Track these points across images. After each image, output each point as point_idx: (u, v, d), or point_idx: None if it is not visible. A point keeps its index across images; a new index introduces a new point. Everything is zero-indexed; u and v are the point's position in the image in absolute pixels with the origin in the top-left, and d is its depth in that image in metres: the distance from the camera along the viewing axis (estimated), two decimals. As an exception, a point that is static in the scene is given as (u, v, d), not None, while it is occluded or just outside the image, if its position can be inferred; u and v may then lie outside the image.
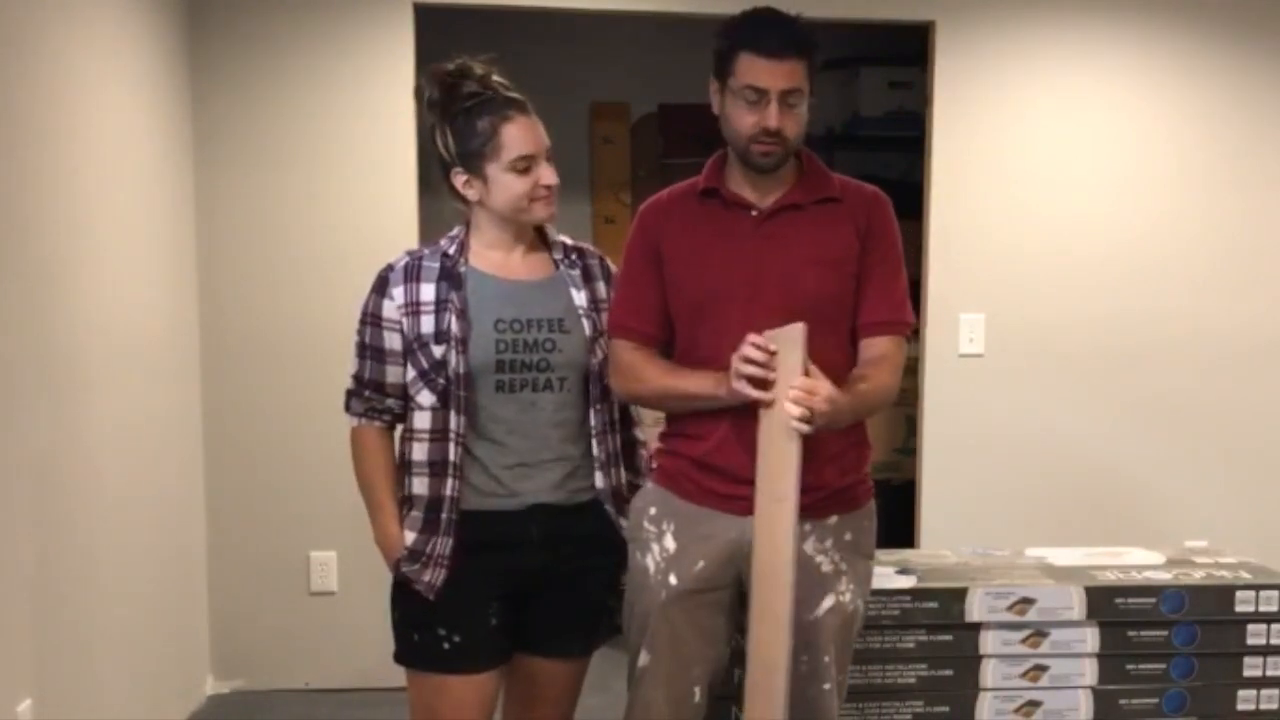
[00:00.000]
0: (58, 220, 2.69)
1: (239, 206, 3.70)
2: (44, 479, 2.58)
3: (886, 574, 2.67)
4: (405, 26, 3.67)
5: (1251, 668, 2.70)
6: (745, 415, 2.10)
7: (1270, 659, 2.70)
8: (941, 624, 2.63)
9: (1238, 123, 3.99)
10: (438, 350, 2.18)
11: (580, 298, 2.27)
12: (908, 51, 4.25)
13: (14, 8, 2.50)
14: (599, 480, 2.28)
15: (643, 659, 2.26)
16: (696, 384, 2.16)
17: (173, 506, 3.49)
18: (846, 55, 4.77)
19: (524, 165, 2.18)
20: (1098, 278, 3.98)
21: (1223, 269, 4.03)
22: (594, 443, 2.27)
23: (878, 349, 2.22)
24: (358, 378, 2.26)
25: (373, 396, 2.25)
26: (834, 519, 2.22)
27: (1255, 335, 4.06)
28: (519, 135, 2.17)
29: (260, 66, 3.67)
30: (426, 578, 2.20)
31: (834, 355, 2.12)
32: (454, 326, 2.17)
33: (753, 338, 2.04)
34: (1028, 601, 2.64)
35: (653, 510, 2.28)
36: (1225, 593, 2.69)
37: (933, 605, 2.63)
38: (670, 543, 2.24)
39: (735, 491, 2.16)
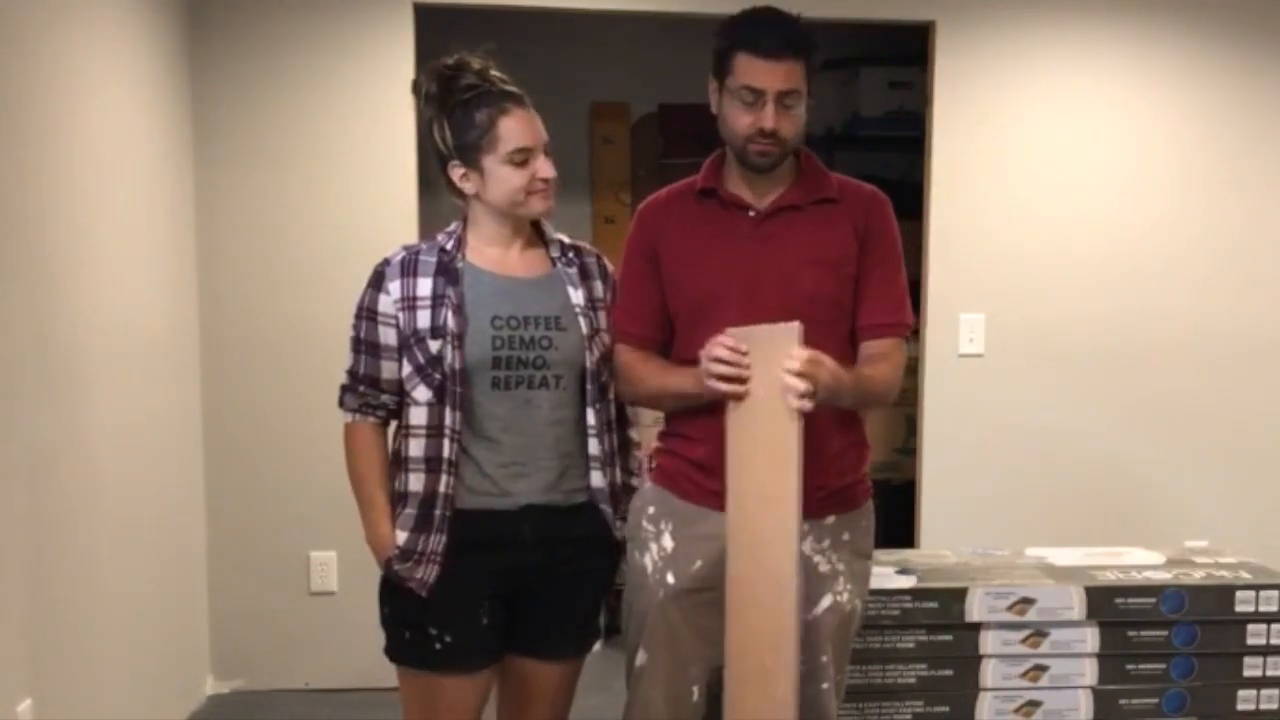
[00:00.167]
0: (58, 220, 2.69)
1: (239, 206, 3.70)
2: (44, 479, 2.58)
3: (886, 574, 2.67)
4: (405, 26, 3.67)
5: (1251, 668, 2.70)
6: None
7: (1270, 659, 2.70)
8: (941, 624, 2.63)
9: (1238, 123, 3.99)
10: (434, 345, 2.16)
11: (577, 296, 2.26)
12: (908, 51, 4.25)
13: (14, 8, 2.50)
14: (595, 480, 2.27)
15: (640, 658, 2.26)
16: (681, 381, 2.17)
17: (173, 506, 3.49)
18: (846, 55, 4.77)
19: (521, 158, 2.17)
20: (1098, 278, 3.98)
21: (1223, 269, 4.03)
22: (591, 442, 2.25)
23: (878, 349, 2.22)
24: (352, 373, 2.24)
25: (367, 392, 2.23)
26: (832, 519, 2.22)
27: (1255, 335, 4.06)
28: (516, 128, 2.17)
29: (260, 66, 3.67)
30: (419, 574, 2.18)
31: (832, 355, 2.11)
32: (450, 322, 2.16)
33: (723, 339, 2.05)
34: (1028, 601, 2.64)
35: (651, 510, 2.28)
36: (1225, 593, 2.69)
37: (933, 605, 2.63)
38: (668, 542, 2.24)
39: None
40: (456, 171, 2.21)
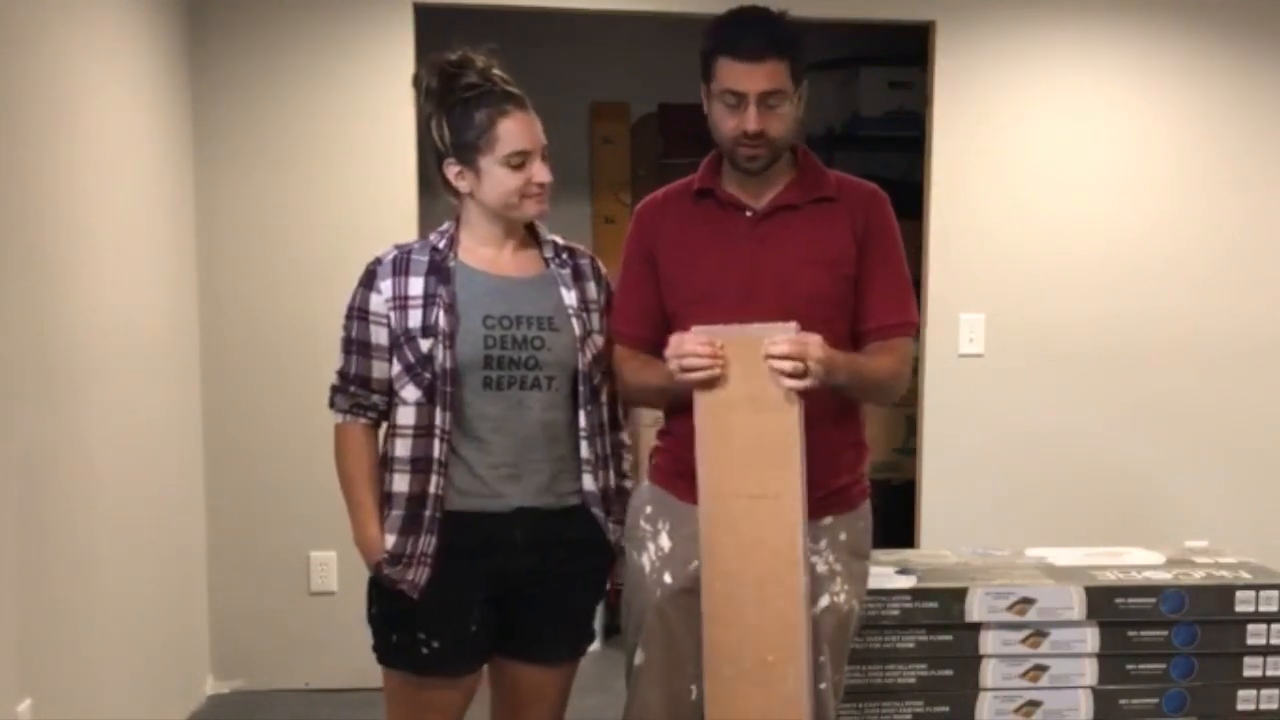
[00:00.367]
0: (58, 220, 2.69)
1: (239, 206, 3.70)
2: (43, 479, 2.58)
3: (886, 574, 2.67)
4: (405, 26, 3.67)
5: (1251, 668, 2.70)
6: None
7: (1270, 659, 2.70)
8: (941, 624, 2.63)
9: (1238, 123, 3.99)
10: (424, 344, 2.14)
11: (570, 297, 2.24)
12: (908, 51, 4.24)
13: (14, 8, 2.50)
14: (587, 483, 2.25)
15: (639, 658, 2.27)
16: (659, 376, 2.18)
17: (173, 506, 3.49)
18: (846, 55, 4.77)
19: (518, 160, 2.15)
20: (1098, 278, 3.98)
21: (1223, 269, 4.03)
22: (583, 444, 2.24)
23: (884, 347, 2.23)
24: (343, 373, 2.22)
25: (358, 392, 2.21)
26: (829, 519, 2.22)
27: (1255, 335, 4.06)
28: (515, 130, 2.15)
29: (260, 66, 3.67)
30: (410, 576, 2.16)
31: None
32: (442, 321, 2.14)
33: (690, 337, 2.06)
34: (1028, 601, 2.64)
35: (648, 509, 2.29)
36: (1225, 593, 2.69)
37: (933, 605, 2.63)
38: (665, 542, 2.24)
39: None
40: (452, 169, 2.20)
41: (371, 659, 2.27)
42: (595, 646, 2.45)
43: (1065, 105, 3.93)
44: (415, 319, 2.16)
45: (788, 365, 1.99)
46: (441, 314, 2.15)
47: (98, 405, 2.87)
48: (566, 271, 2.27)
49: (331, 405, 2.24)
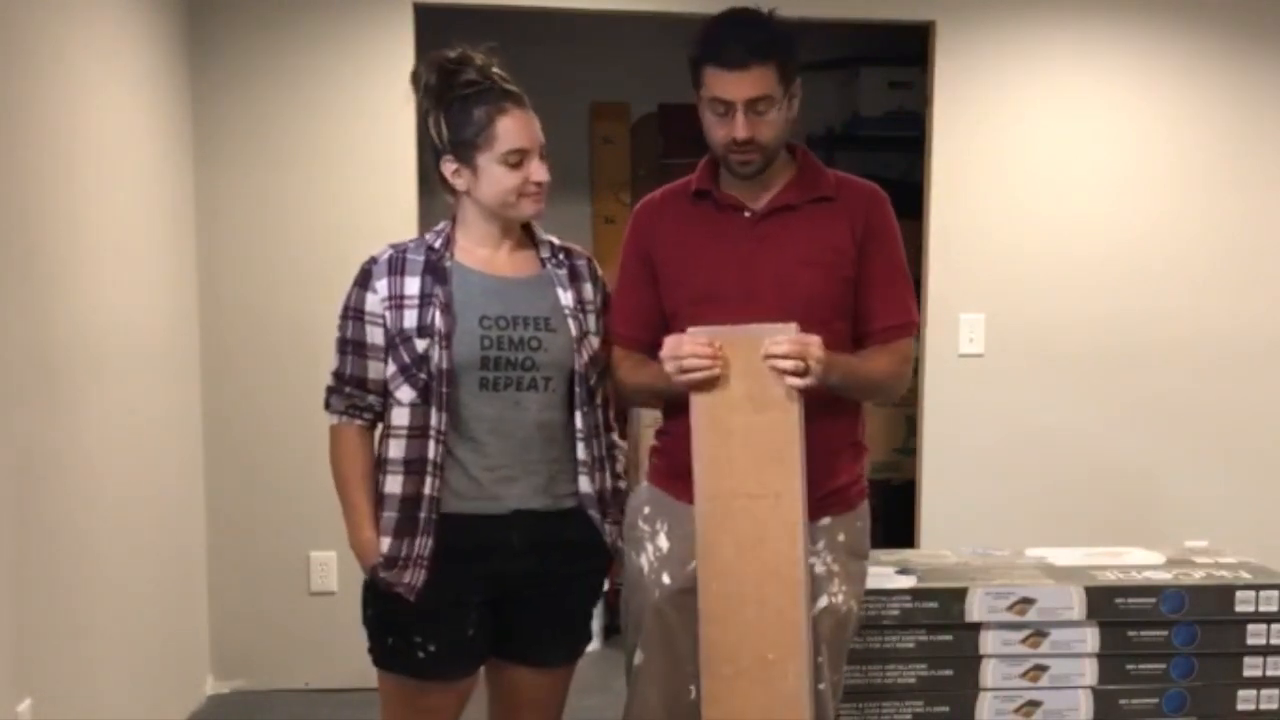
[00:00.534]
0: (58, 220, 2.69)
1: (239, 206, 3.70)
2: (44, 479, 2.58)
3: (886, 574, 2.67)
4: (405, 26, 3.67)
5: (1251, 668, 2.70)
6: None
7: (1270, 659, 2.70)
8: (941, 624, 2.63)
9: (1238, 123, 3.99)
10: (420, 345, 2.13)
11: (567, 297, 2.23)
12: (908, 51, 4.24)
13: (14, 8, 2.50)
14: (584, 484, 2.24)
15: (638, 658, 2.27)
16: (656, 376, 2.17)
17: (173, 506, 3.49)
18: (846, 55, 4.77)
19: (516, 159, 2.14)
20: (1098, 278, 3.98)
21: (1223, 269, 4.03)
22: (580, 446, 2.22)
23: (884, 348, 2.24)
24: (338, 374, 2.20)
25: (354, 393, 2.19)
26: (827, 520, 2.22)
27: (1255, 335, 4.06)
28: (514, 128, 2.14)
29: (260, 66, 3.67)
30: (407, 579, 2.14)
31: None
32: (438, 321, 2.13)
33: (687, 338, 2.06)
34: (1028, 601, 2.64)
35: (646, 509, 2.29)
36: (1225, 593, 2.69)
37: (933, 605, 2.63)
38: (663, 542, 2.24)
39: None
40: (449, 166, 2.18)
41: (371, 659, 2.27)
42: (595, 646, 2.45)
43: (1065, 105, 3.93)
44: (411, 319, 2.14)
45: (789, 364, 2.00)
46: (438, 314, 2.13)
47: (98, 405, 2.87)
48: (563, 272, 2.26)
49: (327, 406, 2.23)
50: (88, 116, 2.89)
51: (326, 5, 3.67)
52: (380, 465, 2.19)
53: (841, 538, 2.24)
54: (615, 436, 2.36)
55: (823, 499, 2.18)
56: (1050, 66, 3.93)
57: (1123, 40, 3.94)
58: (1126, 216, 3.98)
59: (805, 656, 2.10)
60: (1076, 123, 3.94)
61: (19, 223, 2.50)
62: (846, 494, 2.27)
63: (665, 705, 2.24)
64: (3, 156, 2.43)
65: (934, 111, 3.89)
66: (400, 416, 2.15)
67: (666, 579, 2.23)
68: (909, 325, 2.27)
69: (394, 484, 2.15)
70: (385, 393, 2.18)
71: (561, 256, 2.29)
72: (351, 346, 2.19)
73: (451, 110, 2.15)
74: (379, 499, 2.18)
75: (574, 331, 2.21)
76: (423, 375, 2.13)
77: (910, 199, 3.77)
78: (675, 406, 2.24)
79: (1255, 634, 2.69)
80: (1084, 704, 2.67)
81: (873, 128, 4.82)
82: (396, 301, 2.16)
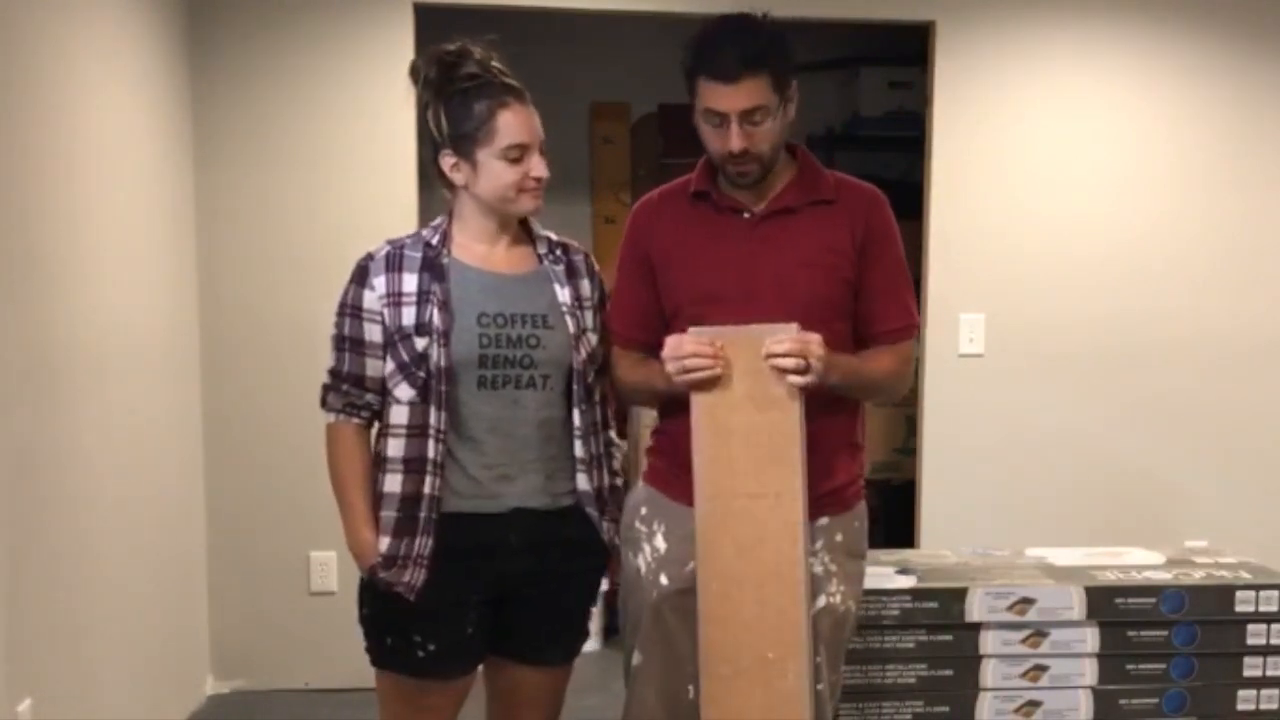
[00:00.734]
0: (58, 220, 2.69)
1: (239, 206, 3.70)
2: (43, 479, 2.58)
3: (886, 574, 2.67)
4: (405, 26, 3.67)
5: (1251, 668, 2.70)
6: None
7: (1270, 659, 2.70)
8: (941, 624, 2.63)
9: (1238, 123, 3.99)
10: (419, 343, 2.11)
11: (564, 294, 2.21)
12: (908, 51, 4.24)
13: (14, 8, 2.50)
14: (582, 482, 2.23)
15: (636, 659, 2.27)
16: (655, 377, 2.18)
17: (173, 506, 3.49)
18: (846, 55, 4.77)
19: (516, 154, 2.12)
20: (1098, 278, 3.98)
21: (1223, 269, 4.03)
22: (578, 444, 2.21)
23: (886, 349, 2.25)
24: (335, 371, 2.18)
25: (351, 391, 2.17)
26: (825, 520, 2.22)
27: (1255, 335, 4.06)
28: (514, 123, 2.12)
29: (260, 66, 3.67)
30: (406, 578, 2.13)
31: None
32: (436, 319, 2.11)
33: (688, 338, 2.06)
34: (1028, 601, 2.64)
35: (643, 510, 2.28)
36: (1225, 593, 2.69)
37: (933, 605, 2.62)
38: (661, 543, 2.24)
39: None
40: (448, 161, 2.16)
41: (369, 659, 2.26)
42: (595, 646, 2.45)
43: (1065, 105, 3.93)
44: (409, 316, 2.13)
45: (790, 363, 2.00)
46: (436, 312, 2.12)
47: (98, 405, 2.87)
48: (560, 268, 2.25)
49: (323, 404, 2.21)
50: (88, 116, 2.89)
51: (326, 5, 3.67)
52: (379, 464, 2.17)
53: (839, 538, 2.24)
54: (612, 433, 2.35)
55: (821, 499, 2.18)
56: (1050, 66, 3.92)
57: (1123, 40, 3.94)
58: (1126, 216, 3.98)
59: (805, 656, 2.10)
60: (1076, 123, 3.94)
61: (19, 223, 2.50)
62: (844, 494, 2.27)
63: (664, 706, 2.24)
64: (2, 156, 2.43)
65: (934, 111, 3.89)
66: (399, 415, 2.14)
67: (664, 580, 2.23)
68: (910, 327, 2.28)
69: (393, 483, 2.14)
70: (383, 391, 2.17)
71: (559, 252, 2.27)
72: (349, 344, 2.17)
73: (451, 104, 2.13)
74: (377, 498, 2.16)
75: (572, 328, 2.20)
76: (421, 373, 2.11)
77: (910, 199, 3.77)
78: (672, 406, 2.23)
79: (1255, 634, 2.69)
80: (1084, 704, 2.67)
81: (873, 128, 4.82)
82: (394, 299, 2.14)
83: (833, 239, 2.20)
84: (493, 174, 2.14)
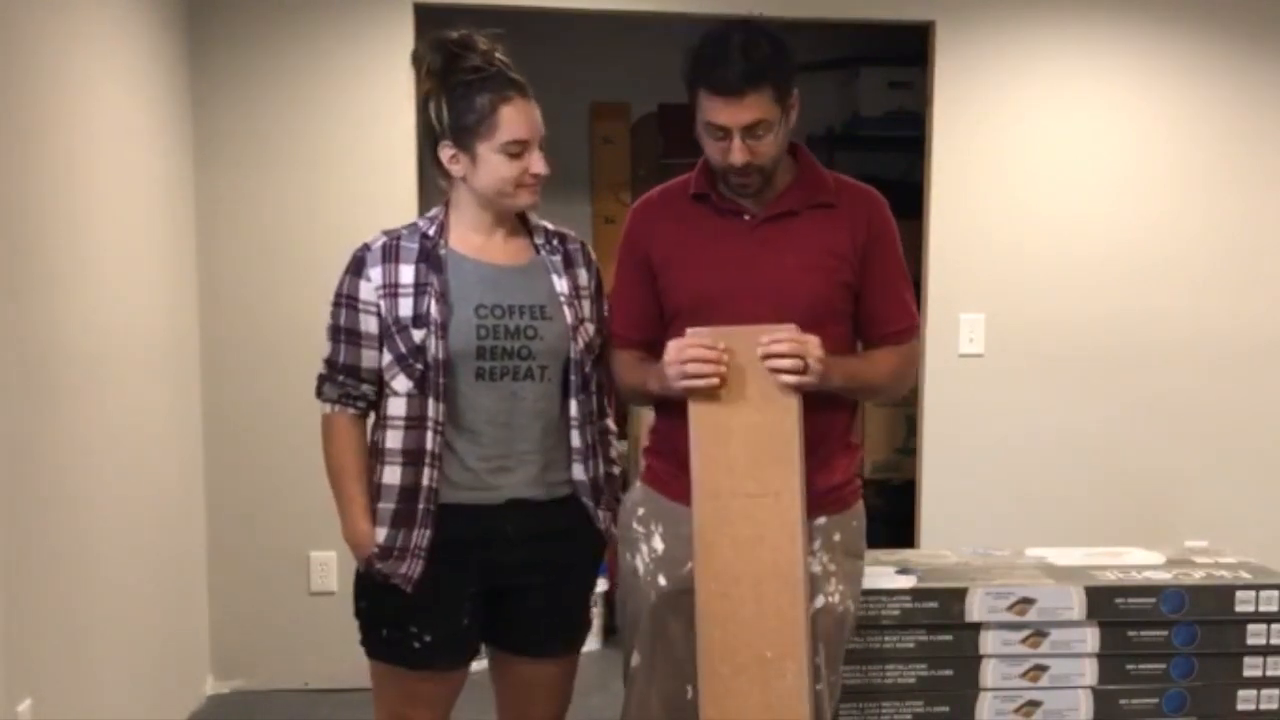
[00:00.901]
0: (57, 220, 2.69)
1: (239, 206, 3.70)
2: (43, 478, 2.58)
3: (886, 574, 2.67)
4: (405, 26, 3.67)
5: (1251, 668, 2.70)
6: None
7: (1270, 659, 2.70)
8: (941, 624, 2.63)
9: (1238, 122, 3.99)
10: (417, 335, 2.10)
11: (562, 284, 2.21)
12: (908, 51, 4.24)
13: (14, 8, 2.50)
14: (577, 472, 2.23)
15: (635, 659, 2.27)
16: (647, 379, 2.18)
17: (173, 506, 3.49)
18: (846, 55, 4.77)
19: (516, 149, 2.12)
20: (1098, 278, 3.98)
21: (1223, 269, 4.03)
22: (573, 434, 2.21)
23: (890, 350, 2.26)
24: (331, 362, 2.17)
25: (347, 381, 2.16)
26: (823, 519, 2.22)
27: (1255, 335, 4.06)
28: (516, 118, 2.11)
29: (260, 66, 3.67)
30: (403, 569, 2.13)
31: None
32: (433, 310, 2.10)
33: (691, 341, 2.06)
34: (1028, 601, 2.64)
35: (641, 510, 2.28)
36: (1225, 593, 2.69)
37: (933, 605, 2.62)
38: (659, 543, 2.24)
39: None
40: (446, 152, 2.15)
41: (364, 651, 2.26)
42: (595, 646, 2.45)
43: (1065, 105, 3.93)
44: (406, 308, 2.12)
45: (787, 363, 2.01)
46: (433, 303, 2.11)
47: (98, 405, 2.87)
48: (557, 258, 2.24)
49: (319, 394, 2.20)
50: (88, 117, 2.89)
51: (326, 5, 3.67)
52: (377, 455, 2.17)
53: (838, 537, 2.24)
54: (609, 422, 2.36)
55: (819, 498, 2.18)
56: (1050, 66, 3.93)
57: (1123, 40, 3.94)
58: (1126, 216, 3.99)
59: (804, 654, 2.10)
60: (1076, 123, 3.94)
61: (19, 223, 2.49)
62: (842, 493, 2.27)
63: (663, 706, 2.24)
64: (2, 156, 2.43)
65: (934, 111, 3.89)
66: (397, 407, 2.13)
67: (663, 580, 2.23)
68: (913, 328, 2.29)
69: (392, 475, 2.14)
70: (378, 381, 2.17)
71: (555, 242, 2.27)
72: (344, 334, 2.16)
73: (454, 95, 2.12)
74: (375, 489, 2.16)
75: (569, 319, 2.20)
76: (419, 365, 2.11)
77: (910, 199, 3.77)
78: (669, 406, 2.23)
79: (1255, 634, 2.69)
80: (1084, 704, 2.67)
81: (873, 128, 4.82)
82: (391, 290, 2.13)
83: (833, 242, 2.19)
84: (491, 168, 2.13)
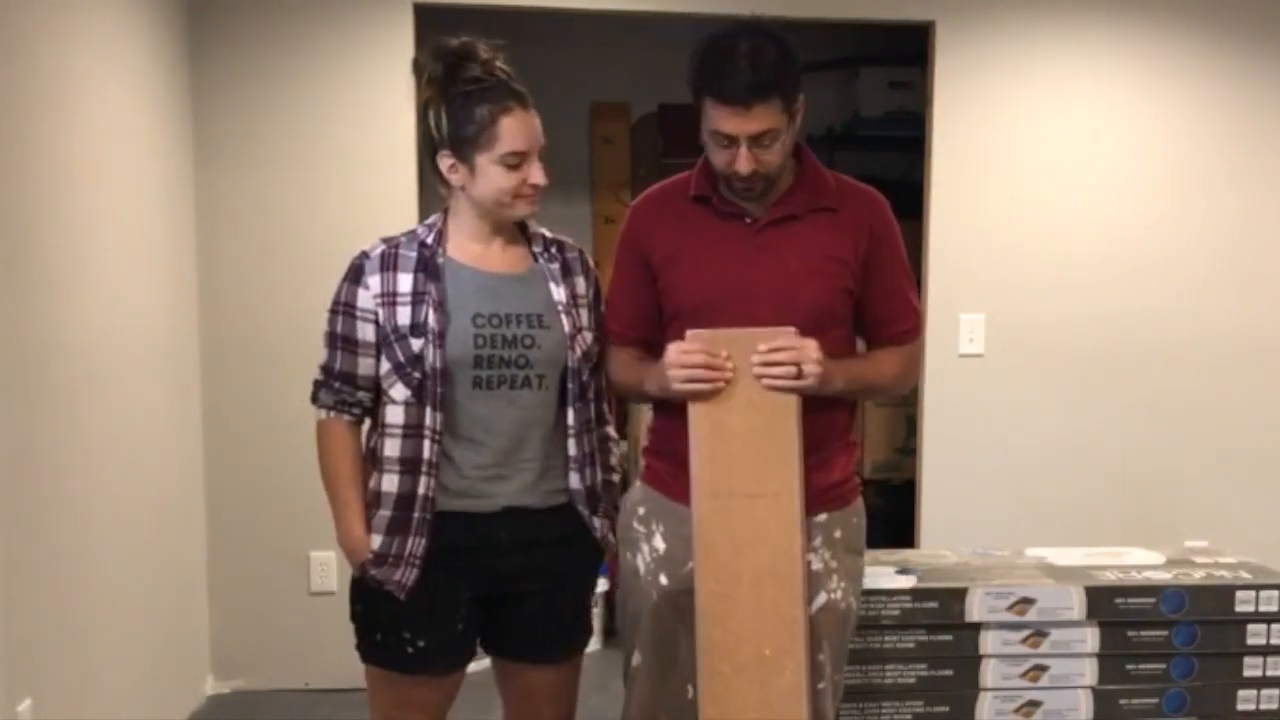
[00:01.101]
0: (58, 220, 2.69)
1: (239, 206, 3.70)
2: (43, 479, 2.58)
3: (886, 574, 2.67)
4: (405, 26, 3.67)
5: (1251, 668, 2.70)
6: None
7: (1270, 659, 2.70)
8: (941, 624, 2.63)
9: (1238, 123, 3.99)
10: (415, 344, 2.10)
11: (559, 293, 2.20)
12: (908, 51, 4.24)
13: (14, 7, 2.50)
14: (574, 480, 2.22)
15: (636, 659, 2.27)
16: (652, 380, 2.18)
17: (173, 506, 3.49)
18: (846, 55, 4.77)
19: (515, 161, 2.11)
20: (1098, 278, 3.98)
21: (1223, 269, 4.03)
22: (570, 443, 2.21)
23: (893, 350, 2.26)
24: (327, 368, 2.17)
25: (343, 388, 2.16)
26: (823, 516, 2.22)
27: (1256, 335, 4.06)
28: (516, 129, 2.11)
29: (260, 66, 3.67)
30: (397, 577, 2.13)
31: None
32: (431, 319, 2.10)
33: (691, 345, 2.06)
34: (1028, 601, 2.64)
35: (641, 510, 2.28)
36: (1225, 593, 2.69)
37: (933, 605, 2.62)
38: (659, 543, 2.24)
39: None
40: (445, 161, 2.15)
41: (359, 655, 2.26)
42: (595, 646, 2.45)
43: (1065, 105, 3.93)
44: (404, 316, 2.12)
45: (780, 370, 2.01)
46: (431, 312, 2.11)
47: (98, 405, 2.87)
48: (555, 266, 2.24)
49: (314, 400, 2.20)
50: (88, 117, 2.89)
51: (326, 5, 3.67)
52: (374, 463, 2.17)
53: (838, 534, 2.24)
54: (609, 429, 2.35)
55: (819, 495, 2.18)
56: (1050, 66, 3.93)
57: (1123, 40, 3.94)
58: (1126, 216, 3.99)
59: (803, 652, 2.10)
60: (1077, 123, 3.94)
61: (18, 223, 2.49)
62: (842, 490, 2.27)
63: (663, 706, 2.24)
64: (2, 156, 2.43)
65: (934, 111, 3.89)
66: (394, 415, 2.14)
67: (664, 580, 2.23)
68: (917, 328, 2.30)
69: (389, 483, 2.14)
70: (375, 389, 2.17)
71: (553, 250, 2.26)
72: (341, 341, 2.16)
73: (453, 105, 2.11)
74: (372, 497, 2.16)
75: (567, 328, 2.19)
76: (417, 374, 2.11)
77: (910, 199, 3.78)
78: (666, 406, 2.24)
79: (1255, 634, 2.69)
80: (1084, 704, 2.67)
81: (873, 128, 4.82)
82: (389, 298, 2.13)
83: (835, 247, 2.19)
84: (490, 179, 2.13)
